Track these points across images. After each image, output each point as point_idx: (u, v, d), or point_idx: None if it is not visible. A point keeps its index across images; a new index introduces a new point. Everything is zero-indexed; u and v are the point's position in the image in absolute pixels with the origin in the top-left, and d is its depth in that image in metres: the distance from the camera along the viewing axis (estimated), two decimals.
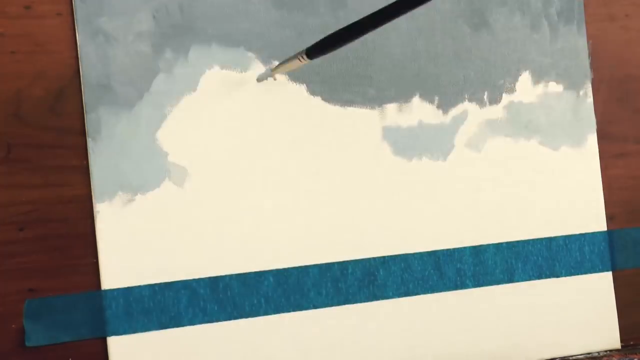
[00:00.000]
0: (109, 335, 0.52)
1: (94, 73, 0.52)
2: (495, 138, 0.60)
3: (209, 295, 0.54)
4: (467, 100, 0.59)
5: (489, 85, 0.60)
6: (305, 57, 0.49)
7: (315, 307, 0.56)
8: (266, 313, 0.55)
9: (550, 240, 0.61)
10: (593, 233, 0.62)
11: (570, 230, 0.61)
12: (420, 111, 0.58)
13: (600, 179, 0.62)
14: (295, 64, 0.51)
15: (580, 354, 0.61)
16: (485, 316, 0.59)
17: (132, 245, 0.52)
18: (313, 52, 0.49)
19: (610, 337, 0.62)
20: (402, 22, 0.58)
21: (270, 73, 0.55)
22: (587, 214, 0.62)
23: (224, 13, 0.55)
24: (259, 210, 0.55)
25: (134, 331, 0.52)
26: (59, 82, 0.52)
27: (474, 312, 0.59)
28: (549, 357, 0.60)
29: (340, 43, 0.47)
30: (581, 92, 0.62)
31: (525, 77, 0.61)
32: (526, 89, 0.61)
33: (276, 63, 0.55)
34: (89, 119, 0.52)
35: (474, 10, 0.60)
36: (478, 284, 0.59)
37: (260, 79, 0.55)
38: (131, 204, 0.52)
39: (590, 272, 0.62)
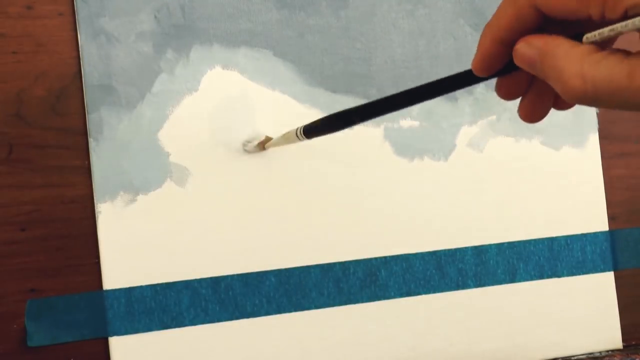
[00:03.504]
0: (111, 336, 0.52)
1: (96, 73, 0.52)
2: (496, 138, 0.60)
3: (211, 296, 0.54)
4: (468, 100, 0.59)
5: (491, 85, 0.60)
6: (302, 134, 0.46)
7: (317, 307, 0.56)
8: (268, 313, 0.55)
9: (552, 240, 0.61)
10: (595, 233, 0.62)
11: (572, 230, 0.61)
12: (421, 111, 0.58)
13: (602, 178, 0.62)
14: (292, 140, 0.48)
15: (582, 354, 0.61)
16: (486, 316, 0.59)
17: (133, 246, 0.52)
18: (310, 132, 0.46)
19: (611, 337, 0.62)
20: (403, 22, 0.58)
21: (258, 147, 0.54)
22: (589, 213, 0.62)
23: (226, 13, 0.55)
24: (261, 210, 0.55)
25: (136, 331, 0.52)
26: (61, 82, 0.52)
27: (476, 312, 0.59)
28: (551, 357, 0.60)
29: (340, 125, 0.42)
30: None
31: None
32: None
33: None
34: (91, 119, 0.52)
35: (475, 10, 0.60)
36: (480, 284, 0.59)
37: (250, 150, 0.54)
38: (133, 204, 0.52)
39: (592, 272, 0.62)
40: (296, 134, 0.47)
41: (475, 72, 0.34)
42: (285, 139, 0.51)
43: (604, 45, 0.30)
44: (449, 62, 0.59)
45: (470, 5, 0.60)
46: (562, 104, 0.36)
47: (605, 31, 0.29)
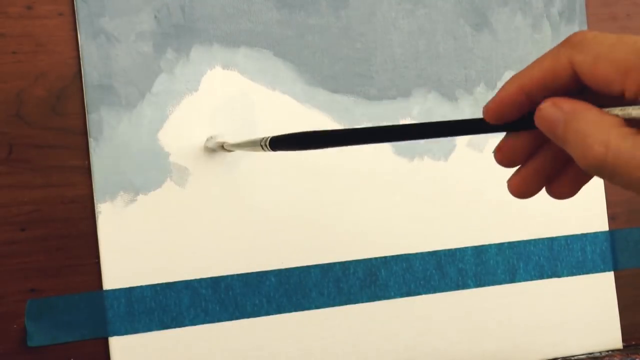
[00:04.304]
0: (111, 336, 0.52)
1: (96, 73, 0.52)
2: (496, 138, 0.60)
3: (211, 296, 0.53)
4: (468, 100, 0.59)
5: (491, 85, 0.60)
6: (268, 146, 0.45)
7: (317, 307, 0.56)
8: (268, 313, 0.55)
9: (552, 240, 0.61)
10: (595, 233, 0.62)
11: (572, 230, 0.61)
12: (421, 111, 0.58)
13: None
14: (256, 149, 0.47)
15: (582, 354, 0.61)
16: (486, 316, 0.59)
17: (133, 246, 0.52)
18: (277, 144, 0.44)
19: (611, 337, 0.62)
20: (403, 22, 0.58)
21: (220, 146, 0.53)
22: (589, 213, 0.62)
23: (226, 13, 0.55)
24: (261, 210, 0.55)
25: (136, 331, 0.52)
26: (61, 82, 0.52)
27: (476, 312, 0.59)
28: (551, 357, 0.60)
29: (310, 145, 0.41)
30: None
31: None
32: None
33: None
34: (91, 119, 0.52)
35: (475, 10, 0.60)
36: (480, 284, 0.59)
37: (210, 147, 0.53)
38: (132, 204, 0.52)
39: (592, 272, 0.62)
40: (261, 144, 0.46)
41: (486, 116, 0.34)
42: (249, 144, 0.49)
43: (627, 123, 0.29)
44: (448, 62, 0.59)
45: (470, 5, 0.60)
46: (556, 190, 0.35)
47: (630, 110, 0.29)
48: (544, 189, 0.36)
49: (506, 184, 0.36)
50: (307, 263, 0.55)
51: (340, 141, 0.39)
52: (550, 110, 0.31)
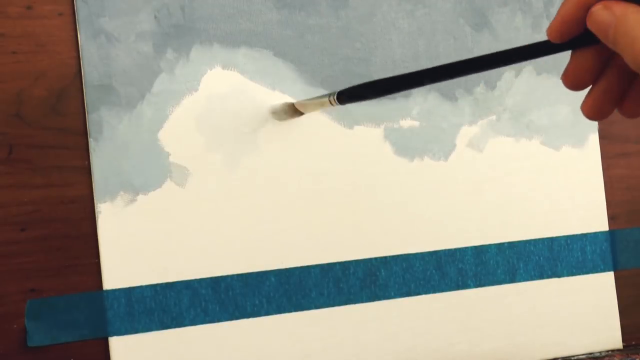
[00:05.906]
0: (111, 336, 0.52)
1: (96, 73, 0.52)
2: (496, 138, 0.60)
3: (211, 296, 0.54)
4: (468, 100, 0.59)
5: (491, 85, 0.60)
6: (335, 100, 0.48)
7: (316, 307, 0.56)
8: (268, 313, 0.55)
9: (552, 240, 0.61)
10: (595, 233, 0.62)
11: (572, 230, 0.61)
12: (421, 111, 0.58)
13: (602, 178, 0.62)
14: (323, 104, 0.50)
15: (582, 354, 0.61)
16: (486, 316, 0.59)
17: (133, 246, 0.52)
18: (344, 97, 0.47)
19: (612, 337, 0.62)
20: (403, 22, 0.58)
21: (291, 109, 0.55)
22: (589, 214, 0.62)
23: (226, 13, 0.55)
24: (261, 210, 0.55)
25: (136, 331, 0.52)
26: (61, 82, 0.52)
27: (476, 312, 0.59)
28: (551, 357, 0.60)
29: (376, 94, 0.44)
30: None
31: (526, 77, 0.61)
32: (528, 88, 0.61)
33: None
34: (91, 119, 0.52)
35: (475, 10, 0.60)
36: (480, 284, 0.59)
37: (277, 113, 0.55)
38: (133, 204, 0.52)
39: (592, 272, 0.62)
40: (329, 99, 0.48)
41: (550, 36, 0.34)
42: (317, 104, 0.52)
43: None
44: (449, 62, 0.59)
45: (470, 5, 0.60)
46: (627, 109, 0.35)
47: None
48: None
49: (580, 109, 0.36)
50: (307, 263, 0.55)
51: (404, 85, 0.39)
52: (601, 13, 0.31)
